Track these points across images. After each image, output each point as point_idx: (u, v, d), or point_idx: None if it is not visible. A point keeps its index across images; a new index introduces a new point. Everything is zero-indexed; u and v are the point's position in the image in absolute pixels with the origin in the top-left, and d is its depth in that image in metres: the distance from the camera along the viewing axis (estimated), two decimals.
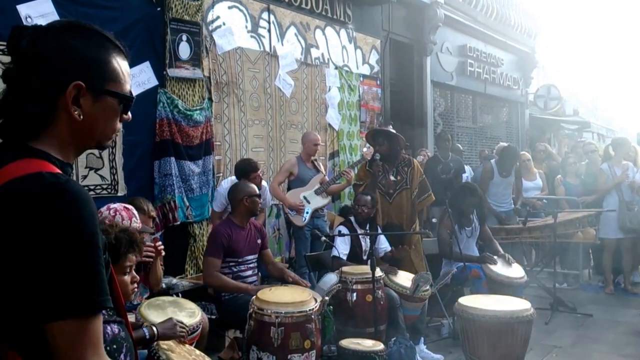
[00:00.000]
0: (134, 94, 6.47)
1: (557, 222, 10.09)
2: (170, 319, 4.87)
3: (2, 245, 1.80)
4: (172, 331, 4.78)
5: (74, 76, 1.98)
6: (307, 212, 9.21)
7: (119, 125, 2.16)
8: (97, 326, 1.84)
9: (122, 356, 2.63)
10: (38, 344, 1.84)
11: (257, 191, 7.17)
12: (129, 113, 2.18)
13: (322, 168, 9.75)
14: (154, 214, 6.72)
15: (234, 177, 8.39)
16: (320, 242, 8.83)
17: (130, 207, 5.69)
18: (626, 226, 11.18)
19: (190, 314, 5.53)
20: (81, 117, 2.00)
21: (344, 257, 8.01)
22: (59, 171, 1.94)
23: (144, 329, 4.65)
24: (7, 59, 2.28)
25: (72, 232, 1.80)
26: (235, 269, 6.87)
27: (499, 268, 8.39)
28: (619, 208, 11.27)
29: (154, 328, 4.68)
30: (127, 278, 3.76)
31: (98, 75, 2.04)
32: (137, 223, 5.47)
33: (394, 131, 9.34)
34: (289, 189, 9.59)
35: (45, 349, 1.83)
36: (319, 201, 9.40)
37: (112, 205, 5.51)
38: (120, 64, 2.11)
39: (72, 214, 1.81)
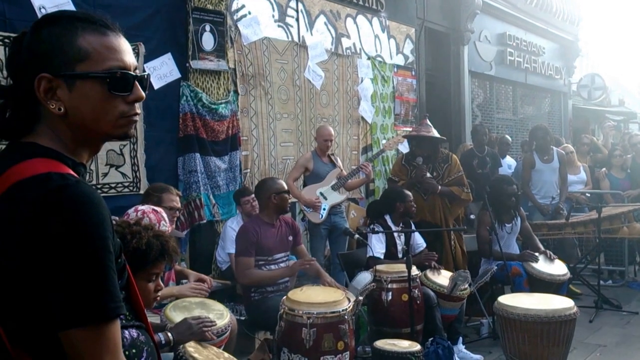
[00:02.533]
0: (156, 87, 6.49)
1: (602, 217, 10.04)
2: (185, 319, 4.86)
3: (13, 251, 1.82)
4: (190, 332, 4.78)
5: (38, 69, 1.95)
6: (323, 209, 9.12)
7: (126, 108, 2.05)
8: (112, 333, 1.86)
9: None
10: (53, 349, 1.87)
11: (285, 187, 7.18)
12: (139, 92, 2.08)
13: (339, 163, 9.66)
14: (179, 192, 6.70)
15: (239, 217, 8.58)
16: (342, 241, 8.88)
17: (159, 209, 5.62)
18: None
19: (219, 316, 5.53)
20: (61, 109, 1.98)
21: (381, 257, 8.00)
22: (69, 171, 1.94)
23: (160, 334, 4.66)
24: None
25: (81, 237, 1.81)
26: (265, 268, 6.89)
27: (541, 265, 8.36)
28: None
29: (169, 334, 4.69)
30: (152, 285, 3.69)
31: (62, 60, 1.97)
32: (165, 227, 5.37)
33: (437, 135, 9.27)
34: (304, 185, 9.53)
35: (60, 355, 1.86)
36: (336, 197, 9.31)
37: (140, 207, 5.49)
38: (91, 40, 2.00)
39: (80, 218, 1.82)
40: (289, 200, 7.30)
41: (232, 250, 8.15)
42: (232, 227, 8.41)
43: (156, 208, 5.62)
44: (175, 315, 5.22)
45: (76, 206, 1.82)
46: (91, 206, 1.84)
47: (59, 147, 2.00)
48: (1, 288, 1.85)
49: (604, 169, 12.74)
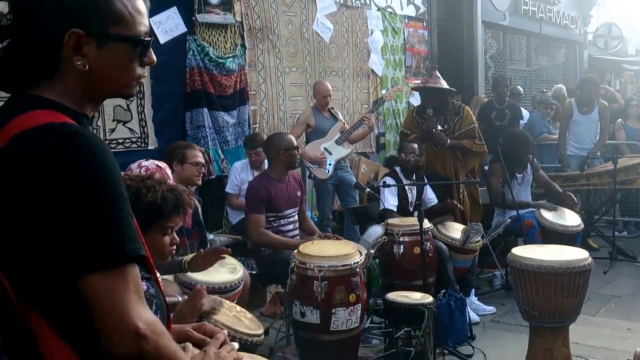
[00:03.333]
0: (162, 41, 6.53)
1: (617, 168, 10.10)
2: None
3: (19, 203, 1.84)
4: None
5: (70, 23, 1.95)
6: (329, 164, 9.15)
7: (141, 71, 2.12)
8: (134, 275, 1.89)
9: None
10: (64, 304, 1.89)
11: (295, 143, 7.22)
12: (153, 56, 2.14)
13: (340, 116, 9.69)
14: (202, 149, 6.83)
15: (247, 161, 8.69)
16: (349, 196, 8.98)
17: (163, 165, 5.65)
18: None
19: (232, 270, 5.63)
20: (86, 67, 1.99)
21: (394, 209, 8.10)
22: (71, 121, 1.94)
23: (177, 295, 4.77)
24: None
25: (92, 183, 1.83)
26: (275, 224, 6.94)
27: (554, 217, 8.43)
28: None
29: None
30: (167, 239, 3.71)
31: (98, 19, 1.98)
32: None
33: (445, 86, 9.30)
34: (307, 141, 9.50)
35: (71, 309, 1.88)
36: (341, 151, 9.33)
37: (144, 163, 5.51)
38: (125, 2, 2.03)
39: (89, 164, 1.84)
40: (298, 156, 7.36)
41: (230, 190, 8.52)
42: (237, 167, 8.62)
43: (160, 164, 5.64)
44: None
45: (83, 153, 1.84)
46: (98, 152, 1.87)
47: (63, 100, 2.00)
48: (8, 243, 1.89)
49: (620, 119, 12.73)
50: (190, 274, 5.24)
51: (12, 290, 1.91)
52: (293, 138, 7.29)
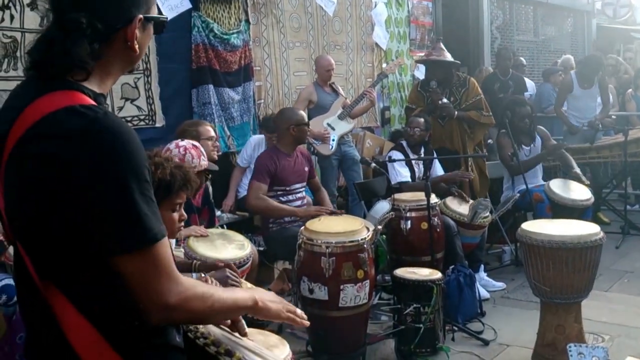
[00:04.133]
0: (167, 18, 6.57)
1: (628, 140, 10.10)
2: (224, 269, 5.00)
3: (47, 186, 1.89)
4: (223, 282, 4.96)
5: (136, 9, 2.10)
6: (333, 140, 9.21)
7: None
8: (162, 253, 1.96)
9: None
10: (87, 282, 1.96)
11: (305, 118, 7.29)
12: None
13: (341, 91, 9.74)
14: (211, 124, 7.03)
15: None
16: (352, 171, 9.05)
17: (198, 144, 5.85)
18: None
19: (240, 246, 5.68)
20: (136, 49, 2.13)
21: (409, 180, 8.17)
22: (93, 103, 1.97)
23: (194, 274, 4.83)
24: None
25: (121, 167, 1.88)
26: (283, 199, 7.05)
27: (563, 190, 8.44)
28: None
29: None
30: (176, 215, 3.80)
31: (146, 4, 2.15)
32: (205, 161, 5.69)
33: (449, 58, 9.32)
34: (308, 117, 9.25)
35: (93, 288, 1.96)
36: (344, 126, 9.40)
37: (181, 143, 5.68)
38: None
39: (118, 149, 1.88)
40: (308, 132, 7.43)
41: (239, 162, 8.70)
42: (251, 142, 8.76)
43: (195, 143, 5.86)
44: (198, 245, 5.41)
45: (108, 139, 1.88)
46: (123, 137, 1.91)
47: (88, 82, 2.04)
48: (34, 223, 1.95)
49: (630, 89, 12.71)
50: (198, 251, 5.31)
51: (34, 267, 1.98)
52: (304, 113, 7.35)
